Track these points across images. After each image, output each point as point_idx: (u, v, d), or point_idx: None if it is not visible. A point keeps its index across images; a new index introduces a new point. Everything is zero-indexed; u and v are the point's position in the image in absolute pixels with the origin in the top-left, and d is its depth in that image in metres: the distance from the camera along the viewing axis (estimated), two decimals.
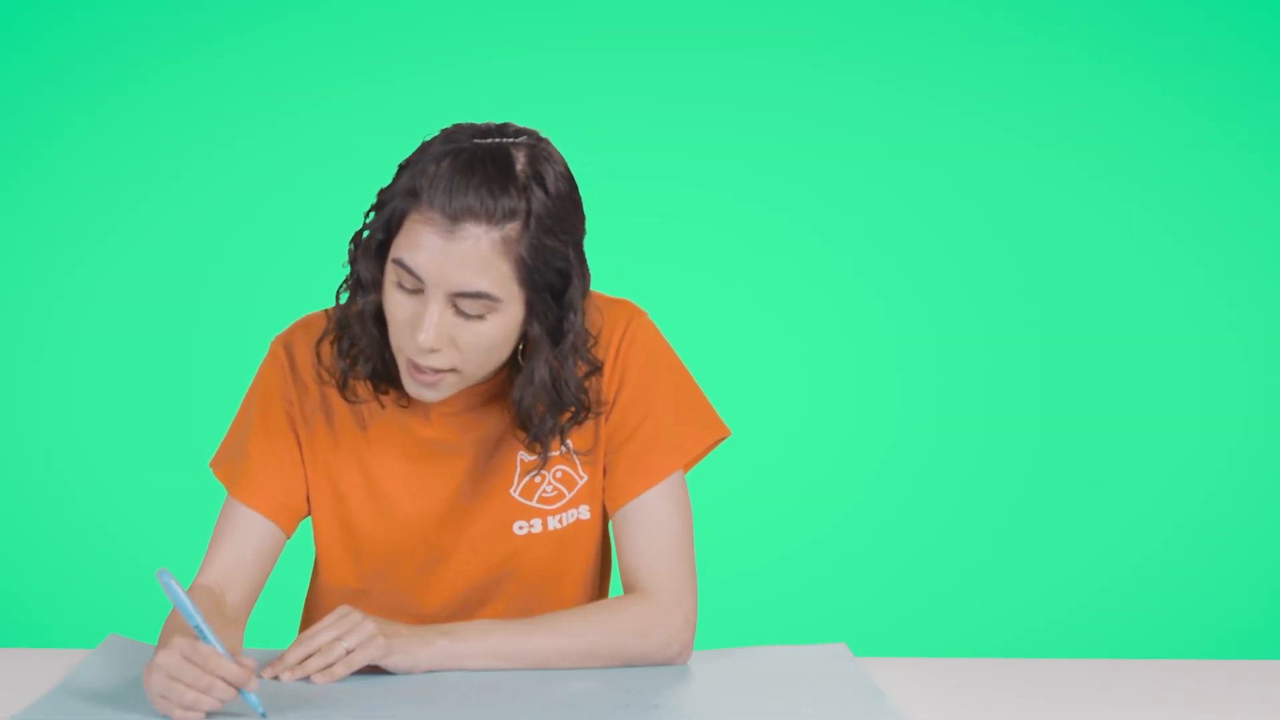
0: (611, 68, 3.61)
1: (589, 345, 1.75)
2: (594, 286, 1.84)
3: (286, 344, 1.84)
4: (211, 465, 1.86)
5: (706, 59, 3.62)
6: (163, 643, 1.58)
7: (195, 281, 3.61)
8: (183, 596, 1.53)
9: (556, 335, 1.71)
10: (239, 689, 1.52)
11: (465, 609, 1.85)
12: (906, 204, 3.63)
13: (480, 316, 1.66)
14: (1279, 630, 3.59)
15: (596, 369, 1.77)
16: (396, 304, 1.68)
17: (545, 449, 1.78)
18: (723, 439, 1.86)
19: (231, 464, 1.83)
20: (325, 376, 1.79)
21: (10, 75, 3.60)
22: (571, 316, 1.70)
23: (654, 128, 3.61)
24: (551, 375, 1.72)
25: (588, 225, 1.74)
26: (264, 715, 1.52)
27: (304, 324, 1.85)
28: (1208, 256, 3.63)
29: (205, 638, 1.53)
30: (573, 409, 1.75)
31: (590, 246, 1.76)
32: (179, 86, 3.61)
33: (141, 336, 3.61)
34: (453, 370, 1.69)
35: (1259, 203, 3.64)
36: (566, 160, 1.73)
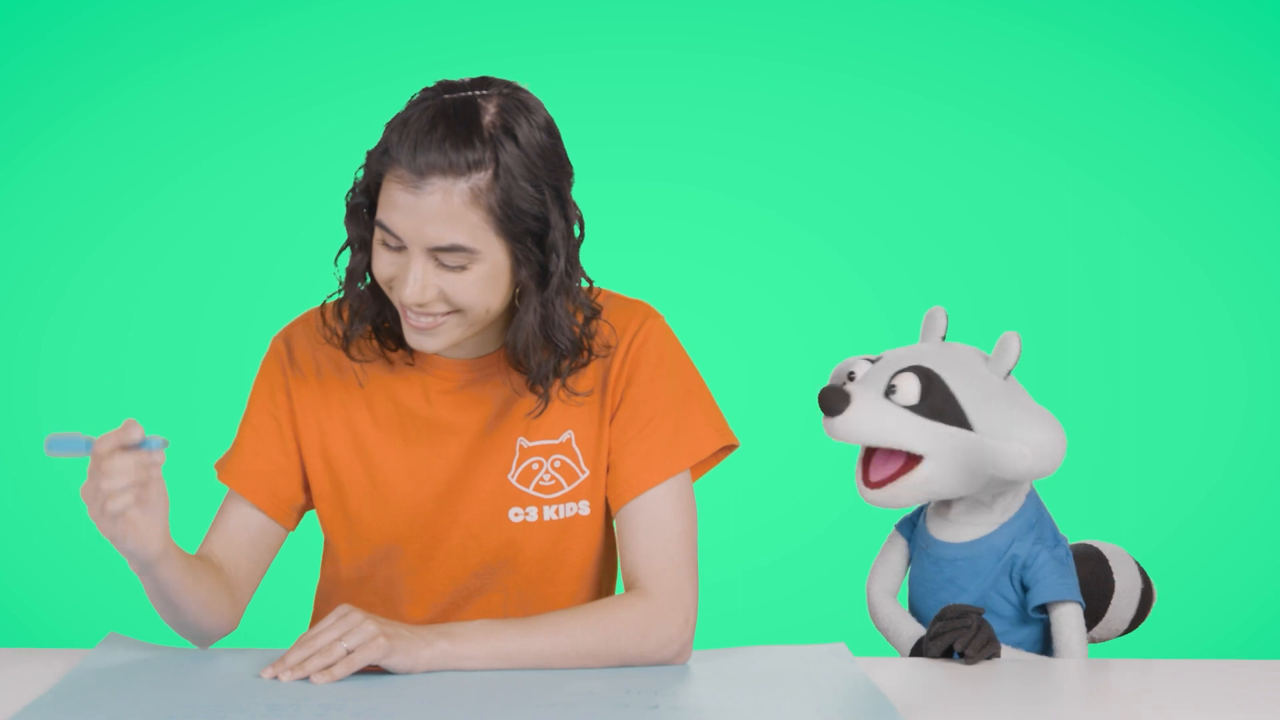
0: (614, 67, 3.61)
1: (585, 293, 1.78)
2: (597, 286, 1.85)
3: (286, 338, 1.88)
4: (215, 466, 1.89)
5: (709, 59, 3.62)
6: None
7: (196, 282, 3.61)
8: (70, 436, 1.56)
9: (543, 280, 1.73)
10: (139, 443, 1.56)
11: (464, 597, 1.86)
12: (907, 204, 3.63)
13: (463, 268, 1.69)
14: (1279, 630, 3.59)
15: (595, 314, 1.79)
16: (384, 262, 1.71)
17: (546, 390, 1.79)
18: (731, 448, 1.86)
19: (228, 455, 1.87)
20: (329, 336, 1.82)
21: (10, 75, 3.61)
22: (555, 259, 1.71)
23: (656, 127, 3.61)
24: (541, 319, 1.74)
25: (597, 223, 1.76)
26: (157, 444, 1.57)
27: (304, 318, 1.88)
28: (1208, 256, 3.63)
29: (89, 446, 1.56)
30: (569, 351, 1.77)
31: (591, 245, 1.77)
32: (179, 86, 3.61)
33: (141, 336, 3.61)
34: (454, 312, 1.71)
35: (1259, 203, 3.64)
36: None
